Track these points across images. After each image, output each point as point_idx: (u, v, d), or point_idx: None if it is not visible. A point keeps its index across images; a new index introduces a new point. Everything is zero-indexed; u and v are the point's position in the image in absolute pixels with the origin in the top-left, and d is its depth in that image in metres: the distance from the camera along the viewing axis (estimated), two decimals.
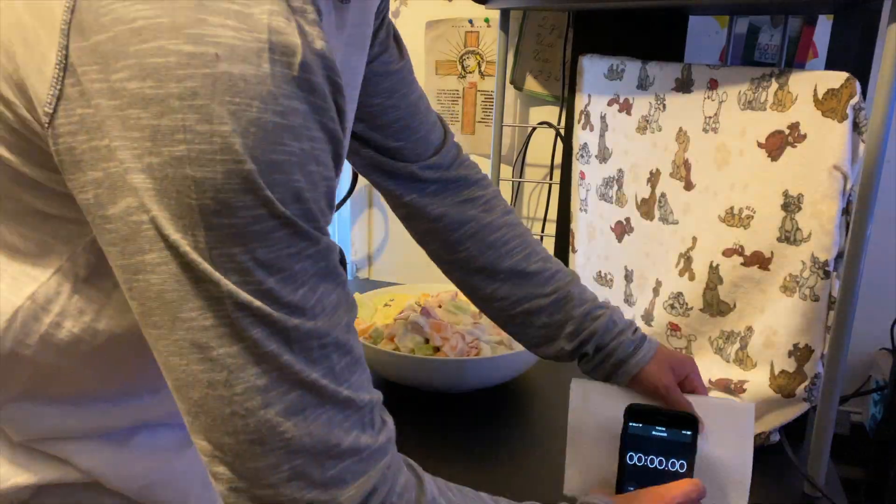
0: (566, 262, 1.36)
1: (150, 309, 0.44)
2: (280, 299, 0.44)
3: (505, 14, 1.34)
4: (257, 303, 0.43)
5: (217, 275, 0.42)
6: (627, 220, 1.18)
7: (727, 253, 0.95)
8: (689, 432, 0.70)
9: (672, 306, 1.05)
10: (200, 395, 0.44)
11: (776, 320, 0.90)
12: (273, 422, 0.44)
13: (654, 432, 0.71)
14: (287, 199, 0.43)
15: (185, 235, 0.42)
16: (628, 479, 0.70)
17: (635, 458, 0.71)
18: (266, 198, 0.42)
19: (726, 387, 0.95)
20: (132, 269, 0.44)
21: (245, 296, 0.42)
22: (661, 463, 0.71)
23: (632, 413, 0.72)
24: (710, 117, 0.99)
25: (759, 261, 0.92)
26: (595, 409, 0.75)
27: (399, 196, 0.80)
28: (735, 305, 0.97)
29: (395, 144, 0.77)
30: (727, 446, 0.72)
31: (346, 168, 1.53)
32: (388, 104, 0.75)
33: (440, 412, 1.01)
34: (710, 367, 1.00)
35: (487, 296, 0.80)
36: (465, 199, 0.80)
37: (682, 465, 0.70)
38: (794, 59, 1.25)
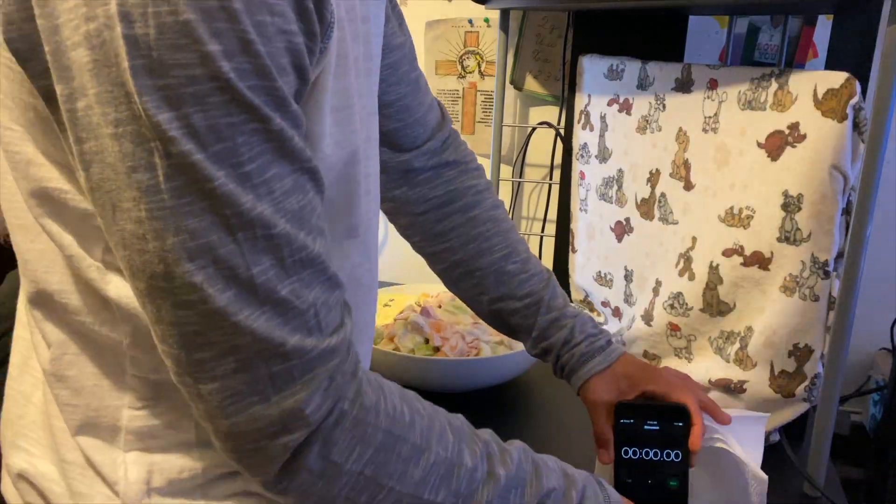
0: (566, 263, 1.36)
1: (95, 200, 0.43)
2: (215, 177, 0.41)
3: (505, 14, 1.34)
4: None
5: (153, 159, 0.40)
6: (627, 220, 1.18)
7: (727, 253, 0.95)
8: (680, 423, 0.71)
9: (672, 306, 1.05)
10: (146, 286, 0.43)
11: (776, 320, 0.90)
12: (213, 319, 0.43)
13: (645, 426, 0.72)
14: (232, 49, 0.40)
15: (119, 110, 0.40)
16: (624, 471, 0.72)
17: (630, 452, 0.72)
18: (205, 53, 0.39)
19: (726, 387, 0.95)
20: (77, 161, 0.43)
21: None
22: (655, 455, 0.72)
23: (622, 409, 0.73)
24: (710, 117, 0.99)
25: (759, 261, 0.92)
26: (713, 471, 0.75)
27: (387, 191, 0.79)
28: (735, 305, 0.97)
29: (393, 126, 0.75)
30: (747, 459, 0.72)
31: None
32: (392, 80, 0.73)
33: None
34: (710, 367, 1.00)
35: (465, 288, 0.80)
36: (455, 189, 0.80)
37: (676, 455, 0.71)
38: (794, 59, 1.25)
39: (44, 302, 0.54)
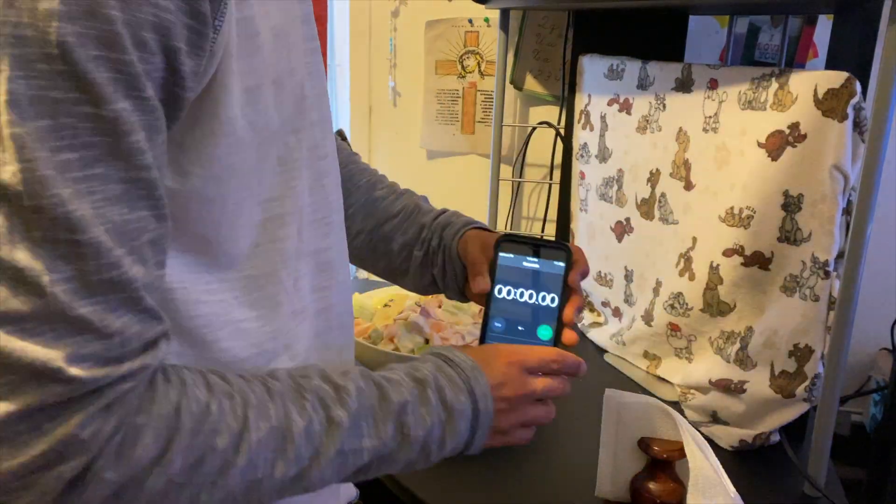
0: None
1: None
2: (26, 158, 0.35)
3: (505, 14, 1.33)
4: None
5: None
6: (627, 220, 1.18)
7: (727, 253, 0.95)
8: (561, 263, 0.66)
9: (672, 306, 1.05)
10: None
11: (776, 320, 0.90)
12: None
13: (524, 263, 0.67)
14: (76, 9, 0.35)
15: None
16: (495, 313, 0.67)
17: (504, 291, 0.67)
18: (39, 11, 0.34)
19: (726, 387, 0.95)
20: None
21: None
22: (531, 297, 0.66)
23: (503, 243, 0.67)
24: (710, 117, 0.99)
25: (760, 261, 0.92)
26: (625, 419, 0.78)
27: None
28: (735, 305, 0.97)
29: None
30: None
31: None
32: None
33: None
34: (710, 367, 1.00)
35: (352, 238, 0.78)
36: None
37: (552, 299, 0.66)
38: (794, 58, 1.25)
39: None
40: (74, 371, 0.38)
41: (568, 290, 0.66)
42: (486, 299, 0.67)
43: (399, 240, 0.77)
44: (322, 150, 0.58)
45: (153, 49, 0.38)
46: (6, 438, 0.37)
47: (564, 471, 0.87)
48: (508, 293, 0.67)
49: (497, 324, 0.66)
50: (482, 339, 0.67)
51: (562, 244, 0.67)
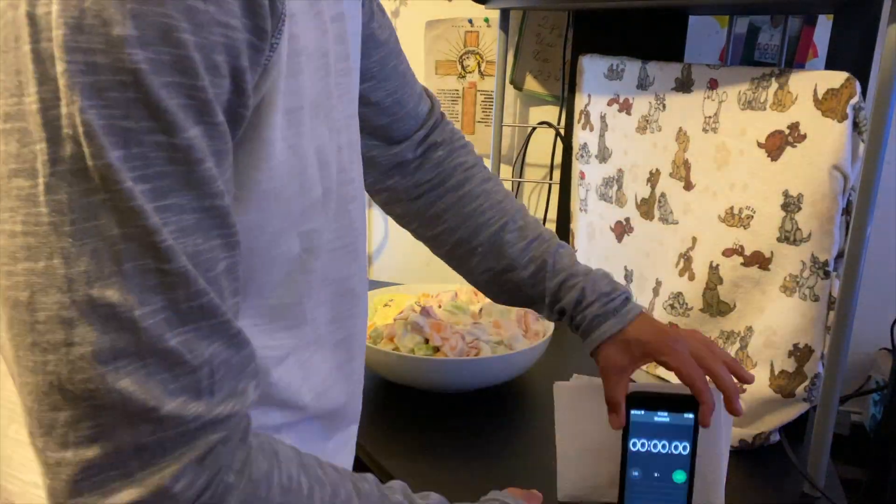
0: None
1: None
2: (105, 191, 0.34)
3: (505, 14, 1.34)
4: None
5: (35, 164, 0.34)
6: (627, 220, 1.18)
7: (727, 253, 0.95)
8: (690, 415, 0.69)
9: (672, 306, 1.05)
10: (7, 317, 0.36)
11: (776, 320, 0.90)
12: (76, 368, 0.35)
13: (656, 418, 0.70)
14: (150, 35, 0.33)
15: (9, 103, 0.34)
16: (633, 464, 0.71)
17: (639, 444, 0.71)
18: (113, 38, 0.33)
19: None
20: None
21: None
22: (664, 447, 0.71)
23: (633, 400, 0.70)
24: (710, 117, 0.99)
25: (759, 261, 0.92)
26: (582, 411, 0.75)
27: (380, 183, 0.78)
28: (735, 305, 0.97)
29: (385, 121, 0.74)
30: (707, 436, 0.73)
31: None
32: (381, 76, 0.71)
33: (440, 412, 1.01)
34: None
35: (471, 268, 0.78)
36: (443, 169, 0.78)
37: (684, 448, 0.70)
38: (794, 58, 1.25)
39: None
40: (168, 408, 0.37)
41: (696, 439, 0.70)
42: (622, 452, 0.71)
43: (528, 291, 0.76)
44: (349, 174, 0.56)
45: (223, 72, 0.37)
46: (95, 484, 0.36)
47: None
48: (643, 445, 0.71)
49: (635, 473, 0.71)
50: (621, 488, 0.71)
51: (689, 396, 0.69)
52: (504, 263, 0.76)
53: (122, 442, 0.36)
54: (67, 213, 0.34)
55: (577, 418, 0.75)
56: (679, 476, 0.70)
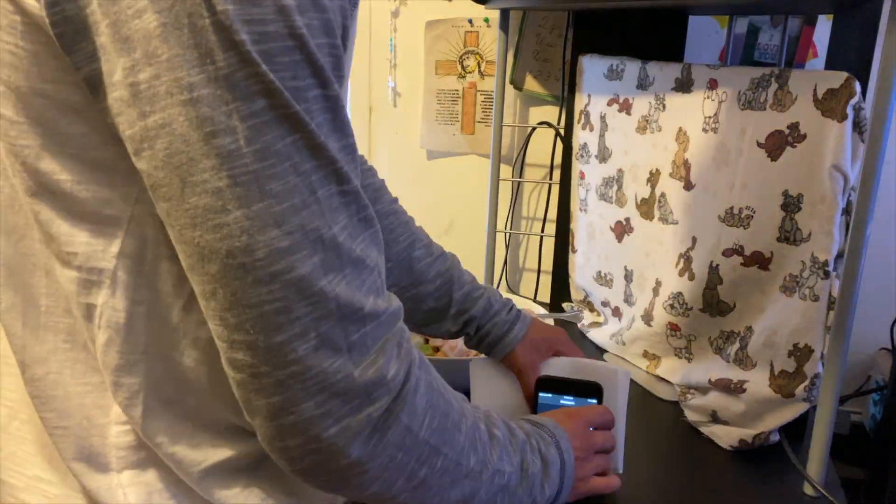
0: (566, 263, 1.36)
1: (160, 180, 0.41)
2: (294, 135, 0.40)
3: (505, 14, 1.34)
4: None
5: (231, 122, 0.39)
6: (627, 220, 1.18)
7: (727, 253, 0.95)
8: (594, 400, 0.77)
9: (672, 306, 1.05)
10: (219, 268, 0.41)
11: (776, 320, 0.90)
12: (299, 288, 0.41)
13: (562, 401, 0.78)
14: (304, 3, 0.39)
15: (192, 73, 0.38)
16: None
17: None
18: (281, 7, 0.38)
19: (726, 387, 0.95)
20: (137, 139, 0.41)
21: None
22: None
23: (542, 384, 0.78)
24: (709, 117, 0.99)
25: (759, 261, 0.92)
26: (495, 387, 0.82)
27: None
28: (735, 305, 0.97)
29: None
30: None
31: None
32: None
33: None
34: (709, 367, 1.00)
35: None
36: None
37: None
38: (793, 58, 1.25)
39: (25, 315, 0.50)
40: (368, 307, 0.44)
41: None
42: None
43: (432, 304, 0.82)
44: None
45: (339, 32, 0.43)
46: (327, 386, 0.43)
47: None
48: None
49: None
50: None
51: (592, 383, 0.78)
52: (412, 278, 0.81)
53: (339, 344, 0.43)
54: (269, 158, 0.40)
55: (490, 393, 0.82)
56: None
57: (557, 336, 0.85)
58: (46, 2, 0.41)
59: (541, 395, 0.78)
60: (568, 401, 0.77)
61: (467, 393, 0.86)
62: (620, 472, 0.79)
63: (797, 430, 0.93)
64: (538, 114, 1.47)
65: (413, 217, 0.86)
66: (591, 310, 1.31)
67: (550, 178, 1.48)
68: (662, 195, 1.09)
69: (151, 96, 0.39)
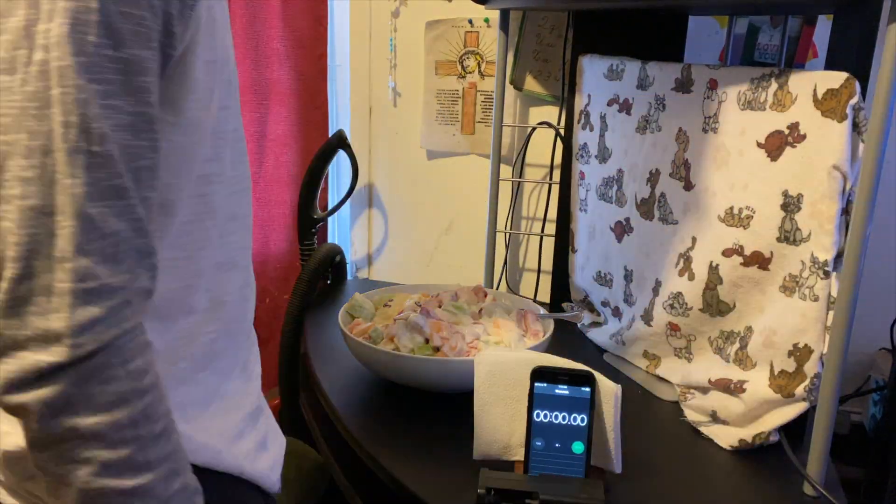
0: (566, 263, 1.36)
1: None
2: (69, 82, 0.47)
3: (505, 14, 1.34)
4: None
5: (20, 67, 0.47)
6: (627, 220, 1.18)
7: (727, 253, 0.95)
8: (588, 389, 0.78)
9: (672, 306, 1.05)
10: None
11: (776, 320, 0.90)
12: (25, 215, 0.47)
13: (557, 391, 0.79)
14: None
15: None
16: (536, 434, 0.79)
17: (541, 415, 0.79)
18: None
19: (726, 387, 0.95)
20: None
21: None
22: (563, 418, 0.79)
23: (536, 374, 0.79)
24: (709, 117, 0.99)
25: (759, 261, 0.92)
26: (498, 381, 0.83)
27: None
28: (735, 305, 0.97)
29: None
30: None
31: (347, 170, 1.53)
32: None
33: (440, 412, 1.01)
34: (709, 366, 1.00)
35: None
36: None
37: (582, 419, 0.78)
38: (793, 59, 1.25)
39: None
40: (80, 262, 0.47)
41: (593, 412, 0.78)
42: (528, 423, 0.79)
43: None
44: (241, 132, 0.68)
45: (157, 12, 0.50)
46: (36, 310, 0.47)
47: None
48: (545, 416, 0.79)
49: (537, 442, 0.79)
50: (526, 457, 0.79)
51: (586, 371, 0.79)
52: None
53: (49, 280, 0.47)
54: (31, 100, 0.46)
55: (491, 386, 0.83)
56: (578, 447, 0.78)
57: None
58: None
59: (536, 384, 0.79)
60: (562, 390, 0.78)
61: (469, 393, 0.86)
62: (618, 472, 0.79)
63: (797, 430, 0.93)
64: (538, 114, 1.47)
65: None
66: (591, 310, 1.31)
67: (550, 178, 1.48)
68: (662, 195, 1.09)
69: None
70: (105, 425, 0.48)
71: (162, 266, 0.54)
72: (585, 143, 1.27)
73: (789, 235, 0.88)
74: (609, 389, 0.79)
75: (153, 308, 0.54)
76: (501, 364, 0.82)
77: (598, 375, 0.79)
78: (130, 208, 0.49)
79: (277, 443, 0.77)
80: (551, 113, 1.46)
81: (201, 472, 0.59)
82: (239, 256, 0.70)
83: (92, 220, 0.47)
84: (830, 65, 0.91)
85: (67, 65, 0.46)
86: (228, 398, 0.68)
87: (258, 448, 0.71)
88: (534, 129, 1.46)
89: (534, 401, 0.79)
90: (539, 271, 1.53)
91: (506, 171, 1.49)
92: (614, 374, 1.15)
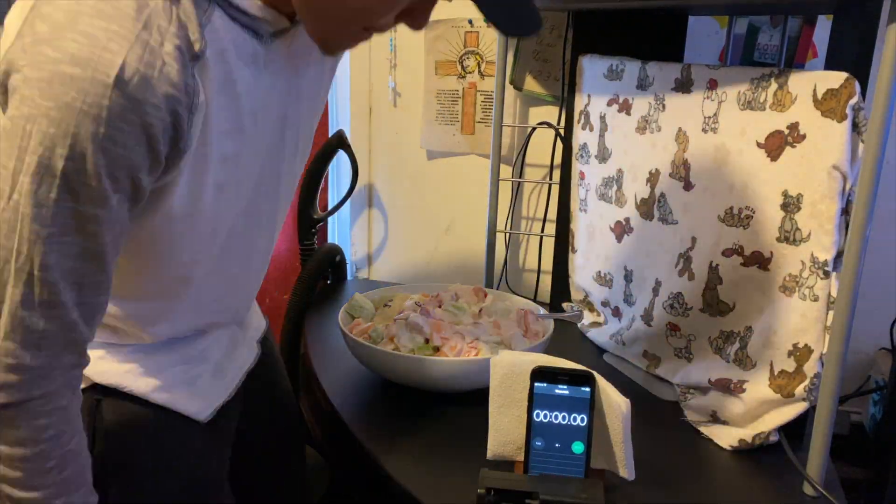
0: (566, 263, 1.36)
1: None
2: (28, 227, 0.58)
3: None
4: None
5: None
6: (627, 220, 1.18)
7: (727, 253, 0.95)
8: (587, 389, 0.78)
9: (672, 306, 1.05)
10: None
11: (776, 320, 0.90)
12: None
13: (557, 391, 0.79)
14: (74, 155, 0.56)
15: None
16: (536, 434, 0.79)
17: (541, 415, 0.79)
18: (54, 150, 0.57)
19: (726, 387, 0.95)
20: None
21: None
22: (563, 418, 0.78)
23: (536, 374, 0.79)
24: (709, 117, 0.99)
25: (759, 261, 0.92)
26: (512, 383, 0.82)
27: None
28: (734, 305, 0.97)
29: None
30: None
31: (347, 170, 1.53)
32: None
33: (440, 412, 1.01)
34: (709, 367, 1.00)
35: None
36: None
37: (582, 419, 0.78)
38: (793, 59, 1.25)
39: None
40: (7, 344, 0.60)
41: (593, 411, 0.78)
42: (527, 423, 0.79)
43: None
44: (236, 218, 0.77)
45: (123, 178, 0.59)
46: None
47: None
48: (545, 416, 0.79)
49: (537, 442, 0.79)
50: (526, 457, 0.79)
51: (586, 371, 0.78)
52: None
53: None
54: (5, 224, 0.59)
55: (507, 388, 0.82)
56: (578, 447, 0.78)
57: None
58: None
59: (536, 384, 0.79)
60: (563, 390, 0.78)
61: (477, 391, 0.86)
62: (631, 479, 0.79)
63: (797, 430, 0.93)
64: (538, 114, 1.47)
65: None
66: (591, 310, 1.31)
67: (550, 178, 1.48)
68: (662, 195, 1.09)
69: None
70: (5, 453, 0.62)
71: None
72: (585, 143, 1.27)
73: (789, 235, 0.88)
74: (617, 404, 0.77)
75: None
76: (517, 367, 0.81)
77: (609, 388, 0.79)
78: (63, 314, 0.61)
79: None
80: (551, 113, 1.46)
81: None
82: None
83: (22, 320, 0.60)
84: (830, 65, 0.91)
85: (27, 213, 0.57)
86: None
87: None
88: (534, 129, 1.46)
89: (534, 401, 0.79)
90: (539, 271, 1.53)
91: (506, 171, 1.49)
92: (614, 374, 1.15)
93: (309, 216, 1.49)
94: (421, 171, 1.59)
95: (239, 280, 0.86)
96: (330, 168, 1.50)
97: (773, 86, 0.90)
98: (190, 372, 0.84)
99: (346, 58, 1.61)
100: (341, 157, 1.49)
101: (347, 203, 1.56)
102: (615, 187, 1.20)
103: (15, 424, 0.62)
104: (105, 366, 0.77)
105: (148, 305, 0.78)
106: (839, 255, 0.84)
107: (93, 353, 0.71)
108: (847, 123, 0.81)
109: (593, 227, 1.27)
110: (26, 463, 0.62)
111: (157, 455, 0.80)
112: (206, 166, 0.67)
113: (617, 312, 1.23)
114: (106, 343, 0.78)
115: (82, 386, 0.68)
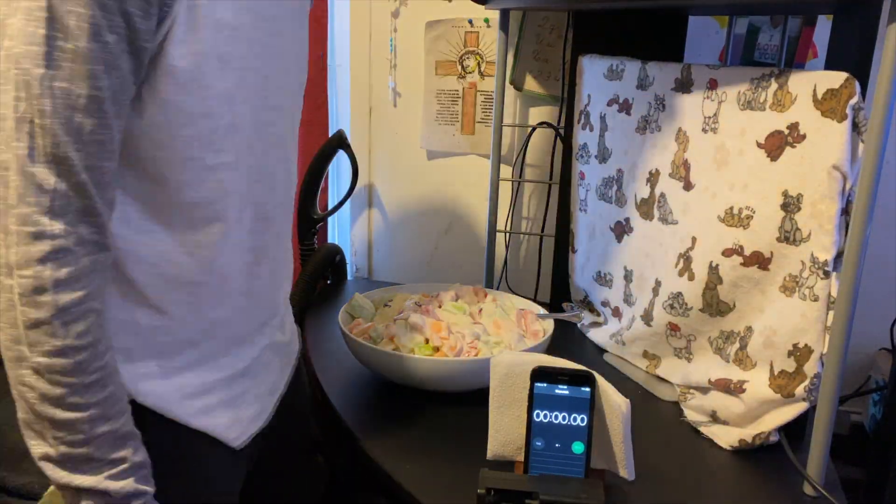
0: (566, 263, 1.36)
1: None
2: (23, 66, 0.57)
3: (505, 14, 1.34)
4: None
5: None
6: (627, 220, 1.18)
7: (727, 253, 0.95)
8: (587, 389, 0.78)
9: (672, 306, 1.05)
10: None
11: (776, 320, 0.90)
12: None
13: (557, 391, 0.79)
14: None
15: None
16: (535, 434, 0.78)
17: (541, 415, 0.78)
18: None
19: (726, 387, 0.95)
20: None
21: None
22: (563, 418, 0.78)
23: (536, 374, 0.79)
24: (709, 117, 0.99)
25: (759, 261, 0.92)
26: (512, 383, 0.82)
27: None
28: (735, 305, 0.97)
29: None
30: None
31: (347, 170, 1.53)
32: None
33: (440, 412, 1.01)
34: (709, 367, 1.00)
35: None
36: None
37: (582, 419, 0.78)
38: (793, 59, 1.25)
39: None
40: (21, 209, 0.58)
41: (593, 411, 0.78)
42: (527, 423, 0.78)
43: None
44: (249, 123, 0.75)
45: (112, 9, 0.58)
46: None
47: None
48: (545, 416, 0.79)
49: (538, 443, 0.78)
50: (526, 457, 0.78)
51: (586, 371, 0.78)
52: None
53: (4, 222, 0.59)
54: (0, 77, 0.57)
55: (507, 388, 0.82)
56: (578, 447, 0.78)
57: None
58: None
59: (536, 385, 0.79)
60: (563, 390, 0.78)
61: (477, 391, 0.86)
62: (631, 479, 0.79)
63: (797, 430, 0.93)
64: (538, 114, 1.47)
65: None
66: (591, 310, 1.31)
67: (550, 178, 1.48)
68: (662, 195, 1.09)
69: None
70: (44, 367, 0.59)
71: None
72: (585, 143, 1.27)
73: (789, 235, 0.88)
74: (617, 405, 0.78)
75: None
76: (517, 367, 0.82)
77: (609, 388, 0.78)
78: (70, 172, 0.59)
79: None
80: (551, 113, 1.46)
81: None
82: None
83: (32, 177, 0.58)
84: (830, 65, 0.91)
85: (20, 52, 0.56)
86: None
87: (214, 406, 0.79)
88: (534, 129, 1.46)
89: (533, 401, 0.79)
90: (539, 271, 1.53)
91: (506, 171, 1.49)
92: (614, 374, 1.15)
93: (309, 216, 1.49)
94: (421, 171, 1.59)
95: (268, 237, 0.84)
96: (330, 168, 1.50)
97: (773, 86, 0.90)
98: (232, 391, 0.80)
99: (347, 58, 1.61)
100: (341, 157, 1.49)
101: (347, 203, 1.56)
102: (615, 187, 1.20)
103: (51, 332, 0.59)
104: (150, 385, 0.72)
105: (187, 262, 0.72)
106: (839, 255, 0.84)
107: (143, 368, 0.70)
108: (847, 123, 0.81)
109: (593, 227, 1.27)
110: (67, 376, 0.60)
111: (183, 480, 0.76)
112: (200, 30, 0.65)
113: (617, 312, 1.24)
114: (159, 353, 0.73)
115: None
